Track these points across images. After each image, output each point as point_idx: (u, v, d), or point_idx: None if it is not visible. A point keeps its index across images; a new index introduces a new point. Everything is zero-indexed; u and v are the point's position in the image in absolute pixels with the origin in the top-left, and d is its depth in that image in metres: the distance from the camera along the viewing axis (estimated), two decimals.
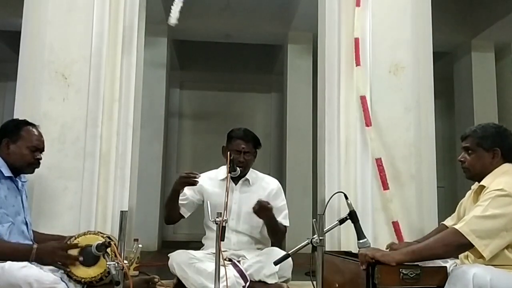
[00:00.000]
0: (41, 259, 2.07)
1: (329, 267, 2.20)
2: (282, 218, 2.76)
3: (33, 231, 2.40)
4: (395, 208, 2.85)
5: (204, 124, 7.15)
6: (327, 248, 2.72)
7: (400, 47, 3.05)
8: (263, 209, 2.59)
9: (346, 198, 2.10)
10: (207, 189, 2.81)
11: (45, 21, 2.90)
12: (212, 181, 2.83)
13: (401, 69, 3.03)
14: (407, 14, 3.08)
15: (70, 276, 2.10)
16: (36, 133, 2.38)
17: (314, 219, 2.03)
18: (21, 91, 2.86)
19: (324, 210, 2.21)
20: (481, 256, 1.84)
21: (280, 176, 5.67)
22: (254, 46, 6.78)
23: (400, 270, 1.83)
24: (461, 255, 2.10)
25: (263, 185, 2.85)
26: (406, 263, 1.87)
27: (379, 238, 2.78)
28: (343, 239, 2.85)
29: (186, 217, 2.83)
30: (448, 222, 2.33)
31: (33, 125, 2.40)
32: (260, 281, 2.51)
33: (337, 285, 2.14)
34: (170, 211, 2.77)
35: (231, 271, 2.46)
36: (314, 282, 2.05)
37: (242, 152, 2.73)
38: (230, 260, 2.61)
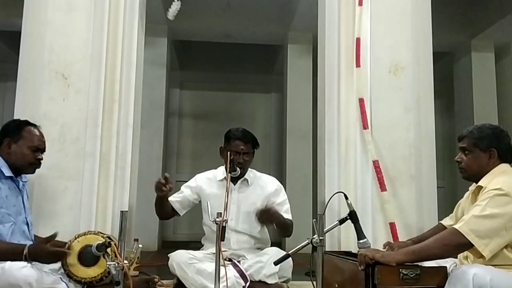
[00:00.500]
0: (34, 257, 2.04)
1: (329, 267, 2.20)
2: (284, 212, 2.76)
3: (35, 236, 2.40)
4: (393, 209, 2.85)
5: (204, 124, 7.15)
6: (327, 248, 2.72)
7: (400, 47, 3.05)
8: (264, 214, 2.58)
9: (346, 198, 2.11)
10: (205, 189, 2.81)
11: (45, 21, 2.91)
12: (210, 181, 2.83)
13: (401, 69, 3.03)
14: (407, 14, 3.08)
15: (70, 276, 2.10)
16: (37, 133, 2.38)
17: (314, 219, 2.02)
18: (21, 91, 2.86)
19: (324, 210, 2.21)
20: (481, 256, 1.84)
21: (280, 176, 5.66)
22: (254, 46, 6.78)
23: (400, 270, 1.83)
24: (460, 256, 2.11)
25: (261, 184, 2.85)
26: (406, 263, 1.87)
27: (379, 238, 2.78)
28: (343, 239, 2.85)
29: (181, 214, 2.83)
30: (446, 221, 2.34)
31: (35, 126, 2.41)
32: (260, 281, 2.52)
33: (336, 285, 2.14)
34: (158, 210, 2.77)
35: (231, 271, 2.46)
36: (314, 282, 2.05)
37: (241, 153, 2.73)
38: (230, 260, 2.61)
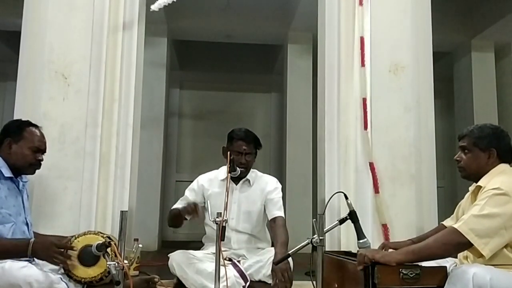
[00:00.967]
0: (36, 253, 2.06)
1: (328, 267, 2.21)
2: (277, 210, 2.76)
3: (34, 232, 2.40)
4: (387, 211, 2.86)
5: (204, 124, 7.15)
6: (327, 248, 2.73)
7: (400, 47, 3.05)
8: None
9: (346, 198, 2.11)
10: (207, 189, 2.82)
11: (45, 21, 2.90)
12: (212, 181, 2.84)
13: (401, 69, 3.03)
14: (407, 14, 3.09)
15: (70, 276, 2.10)
16: (38, 134, 2.38)
17: (314, 219, 2.03)
18: (21, 91, 2.86)
19: (324, 210, 2.21)
20: (481, 256, 1.84)
21: (280, 176, 5.66)
22: (254, 46, 6.78)
23: (400, 270, 1.83)
24: (460, 256, 2.11)
25: (261, 184, 2.85)
26: (406, 263, 1.87)
27: (379, 238, 2.78)
28: (343, 239, 2.85)
29: (189, 219, 2.83)
30: (448, 222, 2.33)
31: (36, 126, 2.40)
32: (260, 281, 2.52)
33: (336, 285, 2.15)
34: (173, 223, 2.75)
35: (231, 271, 2.46)
36: (314, 282, 2.05)
37: (243, 154, 2.73)
38: (230, 260, 2.61)
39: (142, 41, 3.19)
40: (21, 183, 2.34)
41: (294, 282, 2.65)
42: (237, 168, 2.68)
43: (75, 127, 2.84)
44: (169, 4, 2.96)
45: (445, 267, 1.90)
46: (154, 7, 2.98)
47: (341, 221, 2.11)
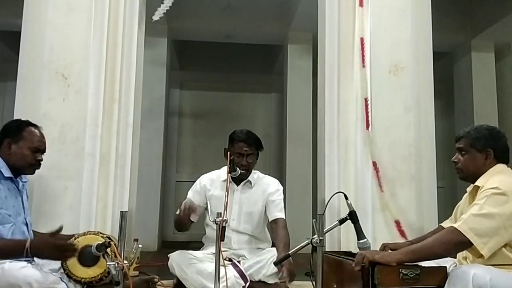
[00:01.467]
0: (38, 252, 1.99)
1: (327, 267, 2.20)
2: (278, 211, 2.77)
3: (33, 231, 2.40)
4: (394, 208, 2.85)
5: (204, 124, 7.15)
6: (327, 248, 2.72)
7: (400, 47, 3.05)
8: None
9: (346, 198, 2.11)
10: (209, 189, 2.82)
11: (45, 22, 2.90)
12: (214, 182, 2.84)
13: (401, 69, 3.03)
14: (407, 14, 3.09)
15: (70, 276, 2.10)
16: (38, 134, 2.38)
17: (314, 219, 2.02)
18: (21, 91, 2.86)
19: (324, 210, 2.21)
20: (480, 255, 1.84)
21: (280, 176, 5.66)
22: (254, 46, 6.78)
23: (400, 270, 1.83)
24: (460, 256, 2.11)
25: (263, 185, 2.86)
26: (406, 263, 1.87)
27: (379, 239, 2.78)
28: (343, 239, 2.85)
29: (195, 221, 2.83)
30: (446, 224, 2.33)
31: (36, 126, 2.40)
32: (260, 281, 2.52)
33: (335, 286, 2.15)
34: (179, 227, 2.73)
35: (231, 271, 2.46)
36: (314, 282, 2.05)
37: (245, 155, 2.73)
38: (230, 260, 2.61)
39: (142, 41, 3.19)
40: (20, 183, 2.34)
41: (294, 282, 2.65)
42: (237, 169, 2.68)
43: (75, 127, 2.84)
44: (168, 8, 2.97)
45: (445, 267, 1.90)
46: (155, 17, 2.99)
47: (341, 221, 2.11)
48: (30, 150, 2.31)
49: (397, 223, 2.84)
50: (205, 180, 2.87)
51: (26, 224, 2.32)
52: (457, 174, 2.22)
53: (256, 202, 2.80)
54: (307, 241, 2.00)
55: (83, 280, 2.11)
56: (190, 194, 2.84)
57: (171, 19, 5.55)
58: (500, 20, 5.42)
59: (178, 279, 2.58)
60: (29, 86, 2.86)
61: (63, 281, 2.02)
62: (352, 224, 2.09)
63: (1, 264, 1.98)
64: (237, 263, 2.57)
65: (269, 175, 2.99)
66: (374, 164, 2.89)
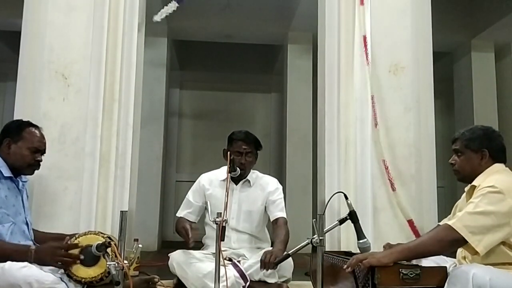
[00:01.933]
0: (40, 260, 2.06)
1: (325, 267, 2.20)
2: (279, 211, 2.78)
3: (33, 230, 2.40)
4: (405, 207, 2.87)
5: (204, 124, 7.14)
6: (327, 248, 2.72)
7: (400, 47, 3.05)
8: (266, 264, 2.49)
9: (346, 198, 2.10)
10: (208, 189, 2.83)
11: (45, 22, 2.90)
12: (213, 181, 2.86)
13: (401, 69, 3.03)
14: (407, 14, 3.09)
15: (70, 276, 2.10)
16: (38, 134, 2.38)
17: (314, 219, 2.02)
18: (21, 91, 2.86)
19: (324, 210, 2.21)
20: (476, 252, 1.85)
21: (280, 176, 5.66)
22: (254, 46, 6.77)
23: (400, 270, 1.83)
24: (459, 256, 2.11)
25: (262, 184, 2.87)
26: (405, 263, 1.87)
27: (379, 239, 2.78)
28: (343, 239, 2.85)
29: (196, 222, 2.84)
30: (444, 222, 2.33)
31: (36, 127, 2.40)
32: (260, 281, 2.52)
33: (331, 286, 2.15)
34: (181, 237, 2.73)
35: (231, 271, 2.46)
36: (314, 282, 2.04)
37: (243, 154, 2.75)
38: (230, 259, 2.61)
39: (142, 41, 3.18)
40: (20, 183, 2.34)
41: (294, 282, 2.66)
42: (237, 168, 2.69)
43: (75, 127, 2.84)
44: (170, 13, 2.96)
45: (445, 267, 1.90)
46: (157, 18, 2.99)
47: (341, 221, 2.10)
48: (30, 150, 2.31)
49: (410, 222, 2.84)
50: (204, 179, 2.88)
51: (27, 224, 2.32)
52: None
53: (255, 201, 2.81)
54: (307, 241, 1.99)
55: (83, 280, 2.10)
56: (190, 195, 2.87)
57: (171, 19, 5.53)
58: (500, 20, 5.42)
59: (178, 279, 2.58)
60: (29, 86, 2.86)
61: (63, 281, 2.02)
62: (352, 224, 2.09)
63: (1, 264, 1.98)
64: (237, 263, 2.57)
65: (269, 175, 3.00)
66: (384, 162, 2.89)
